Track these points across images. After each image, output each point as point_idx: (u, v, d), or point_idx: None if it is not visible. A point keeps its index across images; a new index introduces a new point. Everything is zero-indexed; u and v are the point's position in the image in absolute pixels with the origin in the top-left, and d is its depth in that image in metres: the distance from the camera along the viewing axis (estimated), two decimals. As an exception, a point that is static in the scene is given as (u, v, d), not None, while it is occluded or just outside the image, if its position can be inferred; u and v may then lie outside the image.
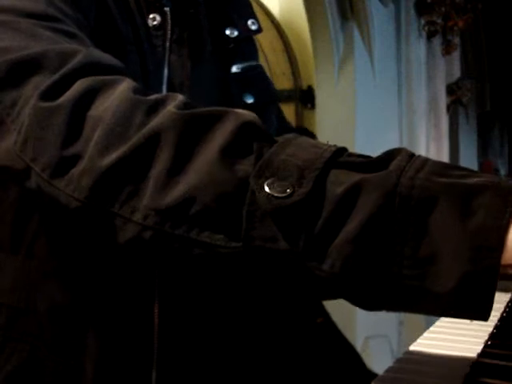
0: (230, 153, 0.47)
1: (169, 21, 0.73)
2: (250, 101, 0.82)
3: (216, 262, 0.49)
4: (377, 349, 2.79)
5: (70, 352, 0.64)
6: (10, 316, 0.66)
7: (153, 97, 0.53)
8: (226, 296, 0.71)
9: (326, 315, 0.84)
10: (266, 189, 0.45)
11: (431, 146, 3.70)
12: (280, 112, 0.94)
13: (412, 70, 3.44)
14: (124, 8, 0.70)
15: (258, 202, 0.45)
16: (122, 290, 0.65)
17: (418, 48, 3.54)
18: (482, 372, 0.56)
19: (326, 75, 2.97)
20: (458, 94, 4.23)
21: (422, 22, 3.57)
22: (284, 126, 0.94)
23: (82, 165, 0.50)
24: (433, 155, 3.70)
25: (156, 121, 0.50)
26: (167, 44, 0.72)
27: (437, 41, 3.78)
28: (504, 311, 0.78)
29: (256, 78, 0.86)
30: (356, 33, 3.02)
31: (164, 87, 0.71)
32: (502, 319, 0.74)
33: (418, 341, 0.66)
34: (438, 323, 0.73)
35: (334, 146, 0.48)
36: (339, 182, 0.45)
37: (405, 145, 3.37)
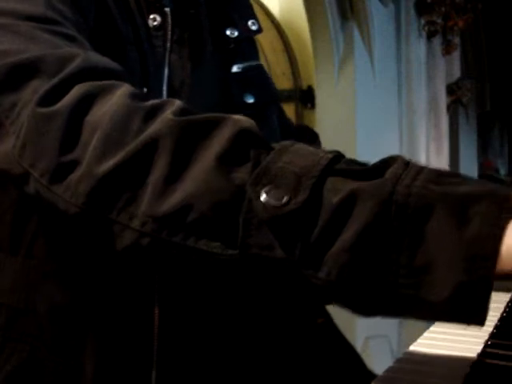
0: (227, 160, 0.47)
1: (169, 21, 0.73)
2: (250, 100, 0.82)
3: (213, 269, 0.49)
4: (377, 349, 2.79)
5: (69, 352, 0.64)
6: (10, 316, 0.66)
7: (150, 102, 0.53)
8: (226, 297, 0.71)
9: (326, 316, 0.84)
10: (263, 197, 0.45)
11: (431, 145, 3.70)
12: (281, 111, 0.94)
13: (412, 69, 3.44)
14: (124, 8, 0.70)
15: (255, 210, 0.45)
16: (122, 291, 0.65)
17: (418, 48, 3.54)
18: (482, 372, 0.56)
19: (326, 75, 2.97)
20: (458, 94, 4.23)
21: (422, 21, 3.57)
22: (286, 125, 0.94)
23: (79, 171, 0.50)
24: (433, 155, 3.70)
25: (153, 127, 0.50)
26: (168, 44, 0.73)
27: (437, 41, 3.78)
28: (504, 311, 0.78)
29: (256, 78, 0.86)
30: (356, 33, 3.02)
31: (164, 88, 0.71)
32: (501, 319, 0.74)
33: (418, 341, 0.66)
34: (438, 323, 0.73)
35: (331, 152, 0.48)
36: (336, 189, 0.45)
37: (405, 145, 3.38)
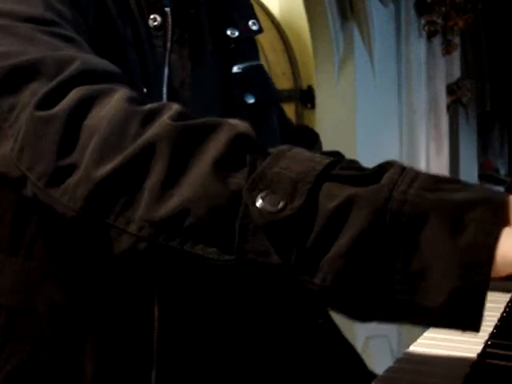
0: (224, 165, 0.48)
1: (169, 21, 0.73)
2: (251, 101, 0.82)
3: (210, 274, 0.49)
4: (377, 349, 2.79)
5: (69, 352, 0.64)
6: (10, 317, 0.66)
7: (148, 106, 0.53)
8: (226, 297, 0.71)
9: (326, 316, 0.84)
10: (259, 202, 0.45)
11: (431, 145, 3.70)
12: (282, 111, 0.94)
13: (412, 69, 3.44)
14: (124, 8, 0.70)
15: (251, 216, 0.45)
16: (122, 292, 0.65)
17: (418, 48, 3.54)
18: (482, 372, 0.56)
19: (326, 75, 2.97)
20: (458, 93, 4.22)
21: (422, 21, 3.57)
22: (286, 126, 0.94)
23: (77, 175, 0.50)
24: (433, 155, 3.70)
25: (151, 131, 0.50)
26: (168, 44, 0.73)
27: (437, 41, 3.78)
28: (504, 311, 0.78)
29: (257, 78, 0.86)
30: (356, 33, 3.02)
31: (164, 88, 0.71)
32: (501, 319, 0.74)
33: (418, 341, 0.66)
34: (437, 323, 0.73)
35: (328, 158, 0.48)
36: (332, 195, 0.45)
37: (405, 145, 3.38)
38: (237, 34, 0.83)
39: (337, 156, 0.93)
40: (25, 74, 0.55)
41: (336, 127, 2.91)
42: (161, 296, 0.66)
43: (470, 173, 5.39)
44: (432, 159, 3.67)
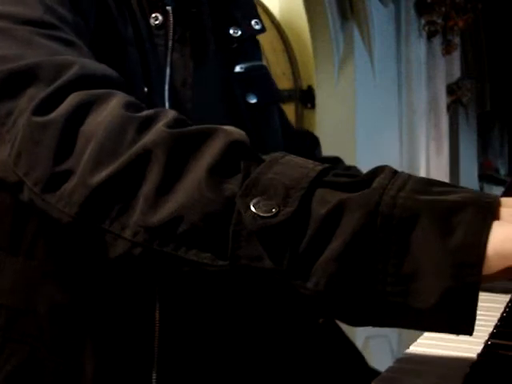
0: (218, 172, 0.48)
1: (171, 20, 0.73)
2: (253, 101, 0.82)
3: (204, 279, 0.49)
4: (377, 349, 2.79)
5: (69, 352, 0.64)
6: (10, 317, 0.66)
7: (144, 113, 0.53)
8: (227, 297, 0.72)
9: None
10: (252, 208, 0.45)
11: (431, 145, 3.70)
12: (282, 112, 0.94)
13: (412, 69, 3.44)
14: (126, 8, 0.70)
15: (244, 222, 0.45)
16: (123, 292, 0.65)
17: (418, 48, 3.54)
18: (481, 372, 0.56)
19: (326, 75, 2.97)
20: (458, 93, 4.23)
21: (422, 21, 3.57)
22: (285, 126, 0.94)
23: (73, 181, 0.51)
24: (433, 155, 3.70)
25: (147, 138, 0.50)
26: (169, 43, 0.73)
27: (437, 41, 3.78)
28: (504, 311, 0.78)
29: (259, 78, 0.86)
30: (356, 33, 3.02)
31: (166, 87, 0.71)
32: (501, 319, 0.74)
33: (418, 341, 0.66)
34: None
35: (321, 164, 0.49)
36: (324, 201, 0.45)
37: (405, 145, 3.38)
38: (239, 33, 0.83)
39: (336, 161, 0.93)
40: (23, 78, 0.56)
41: (336, 127, 2.91)
42: (162, 298, 0.66)
43: (470, 173, 5.39)
44: (432, 159, 3.68)
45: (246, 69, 0.84)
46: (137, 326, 0.66)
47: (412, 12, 3.49)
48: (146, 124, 0.52)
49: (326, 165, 0.49)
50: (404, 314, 0.43)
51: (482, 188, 5.86)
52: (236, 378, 0.73)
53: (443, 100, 3.96)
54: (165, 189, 0.48)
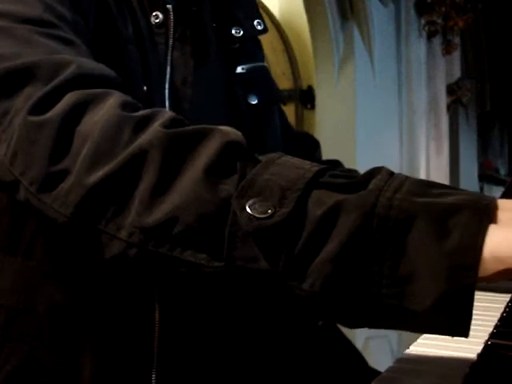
0: (214, 172, 0.48)
1: (171, 18, 0.73)
2: (254, 101, 0.82)
3: (200, 280, 0.49)
4: (377, 349, 2.79)
5: (69, 352, 0.64)
6: (9, 317, 0.66)
7: (140, 113, 0.53)
8: (227, 298, 0.72)
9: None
10: (248, 209, 0.45)
11: (431, 145, 3.70)
12: (282, 112, 0.94)
13: (412, 69, 3.44)
14: (126, 6, 0.70)
15: (240, 223, 0.45)
16: (122, 292, 0.65)
17: (418, 48, 3.54)
18: (481, 372, 0.56)
19: (326, 75, 2.97)
20: (458, 93, 4.22)
21: (422, 21, 3.57)
22: (285, 126, 0.94)
23: (69, 181, 0.51)
24: (433, 155, 3.70)
25: (143, 138, 0.50)
26: (170, 42, 0.73)
27: (437, 41, 3.78)
28: (504, 311, 0.78)
29: (260, 79, 0.86)
30: (356, 33, 3.02)
31: (166, 85, 0.71)
32: (501, 319, 0.74)
33: (418, 341, 0.66)
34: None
35: (318, 165, 0.49)
36: (320, 202, 0.45)
37: (405, 145, 3.38)
38: (241, 33, 0.83)
39: (336, 165, 0.93)
40: (20, 77, 0.55)
41: (336, 127, 2.91)
42: (161, 298, 0.66)
43: (469, 173, 5.39)
44: (432, 159, 3.68)
45: (247, 69, 0.84)
46: (136, 326, 0.66)
47: (412, 12, 3.49)
48: (143, 124, 0.52)
49: (323, 165, 0.49)
50: (400, 316, 0.43)
51: (482, 188, 5.86)
52: (235, 378, 0.73)
53: (443, 100, 3.96)
54: (160, 189, 0.48)
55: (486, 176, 5.99)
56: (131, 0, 0.71)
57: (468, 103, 4.66)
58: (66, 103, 0.53)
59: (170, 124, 0.51)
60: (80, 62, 0.57)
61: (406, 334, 3.17)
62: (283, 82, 2.95)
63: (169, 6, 0.73)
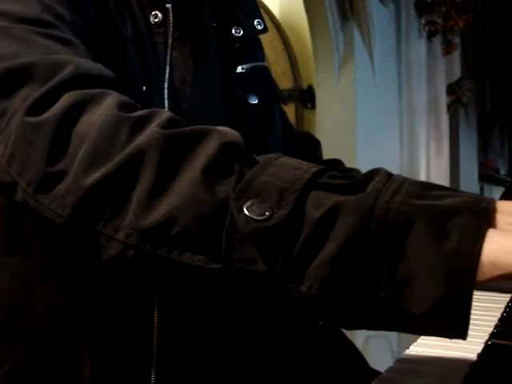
0: (212, 173, 0.48)
1: (171, 18, 0.73)
2: (254, 101, 0.82)
3: (198, 281, 0.49)
4: (377, 349, 2.79)
5: (67, 353, 0.64)
6: (8, 317, 0.66)
7: (138, 113, 0.53)
8: (227, 297, 0.71)
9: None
10: (245, 211, 0.45)
11: (431, 145, 3.70)
12: (282, 112, 0.94)
13: (412, 69, 3.44)
14: (125, 6, 0.70)
15: (237, 225, 0.45)
16: (121, 292, 0.65)
17: (419, 48, 3.53)
18: (481, 372, 0.56)
19: (326, 75, 2.97)
20: (458, 93, 4.22)
21: (423, 21, 3.57)
22: (286, 126, 0.94)
23: (66, 182, 0.51)
24: (433, 155, 3.70)
25: (140, 139, 0.50)
26: (169, 41, 0.72)
27: (437, 41, 3.77)
28: (504, 311, 0.78)
29: (260, 79, 0.86)
30: (356, 33, 3.02)
31: (165, 85, 0.71)
32: (501, 319, 0.74)
33: (418, 341, 0.66)
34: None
35: (316, 166, 0.48)
36: (318, 204, 0.45)
37: (405, 145, 3.37)
38: (241, 33, 0.83)
39: (337, 164, 0.93)
40: (17, 78, 0.55)
41: (336, 127, 2.91)
42: (161, 298, 0.66)
43: (469, 173, 5.39)
44: (432, 159, 3.67)
45: (247, 69, 0.83)
46: (135, 327, 0.66)
47: (412, 12, 3.49)
48: (140, 124, 0.51)
49: (321, 166, 0.49)
50: (398, 318, 0.43)
51: (482, 188, 5.86)
52: (235, 378, 0.73)
53: (443, 100, 3.96)
54: (158, 190, 0.48)
55: (486, 176, 5.99)
56: (130, 0, 0.71)
57: (468, 103, 4.66)
58: (63, 104, 0.53)
59: (168, 124, 0.51)
60: (78, 62, 0.57)
61: (406, 334, 3.16)
62: (283, 82, 2.95)
63: (168, 6, 0.73)
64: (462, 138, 5.08)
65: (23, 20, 0.59)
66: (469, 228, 0.42)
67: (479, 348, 0.62)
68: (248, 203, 0.45)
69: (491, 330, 0.69)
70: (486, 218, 0.43)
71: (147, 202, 0.48)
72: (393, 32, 3.37)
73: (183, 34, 0.74)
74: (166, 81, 0.71)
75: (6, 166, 0.54)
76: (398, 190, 0.44)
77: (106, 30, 0.67)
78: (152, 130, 0.50)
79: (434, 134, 3.77)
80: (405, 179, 0.46)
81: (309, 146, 0.97)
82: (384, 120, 3.23)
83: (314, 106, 3.02)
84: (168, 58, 0.72)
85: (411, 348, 0.64)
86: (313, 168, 0.48)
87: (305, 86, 3.04)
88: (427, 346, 0.64)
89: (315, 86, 3.01)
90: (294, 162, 0.49)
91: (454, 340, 0.65)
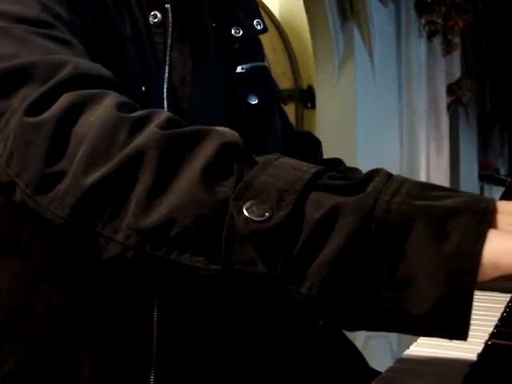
0: (211, 174, 0.47)
1: (170, 18, 0.73)
2: (253, 101, 0.82)
3: (198, 282, 0.49)
4: (377, 349, 2.79)
5: (67, 353, 0.64)
6: (7, 317, 0.66)
7: (137, 113, 0.53)
8: (226, 297, 0.71)
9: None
10: (245, 212, 0.45)
11: (431, 145, 3.70)
12: (283, 112, 0.94)
13: (412, 69, 3.44)
14: (124, 6, 0.70)
15: (237, 226, 0.45)
16: (121, 292, 0.65)
17: (419, 48, 3.53)
18: (481, 372, 0.56)
19: (326, 75, 2.97)
20: (458, 93, 4.22)
21: (423, 21, 3.57)
22: (286, 126, 0.94)
23: (65, 182, 0.50)
24: (433, 155, 3.70)
25: (139, 139, 0.50)
26: (168, 41, 0.72)
27: (437, 41, 3.77)
28: (504, 311, 0.78)
29: (260, 79, 0.86)
30: (356, 33, 3.02)
31: (165, 85, 0.71)
32: (502, 319, 0.74)
33: (418, 341, 0.66)
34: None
35: (315, 167, 0.48)
36: (318, 204, 0.45)
37: (405, 145, 3.38)
38: (241, 33, 0.83)
39: (337, 164, 0.93)
40: (16, 78, 0.55)
41: (336, 127, 2.91)
42: (160, 297, 0.66)
43: (469, 173, 5.39)
44: (432, 159, 3.67)
45: (247, 69, 0.83)
46: (135, 327, 0.66)
47: (412, 12, 3.49)
48: (139, 125, 0.51)
49: (321, 167, 0.49)
50: (398, 319, 0.43)
51: (482, 188, 5.86)
52: (235, 378, 0.73)
53: (443, 100, 3.96)
54: (157, 191, 0.48)
55: (486, 176, 5.99)
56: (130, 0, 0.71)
57: (468, 103, 4.66)
58: (62, 104, 0.53)
59: (167, 125, 0.51)
60: (76, 62, 0.57)
61: (406, 335, 3.16)
62: (283, 82, 2.95)
63: (167, 6, 0.73)
64: (462, 138, 5.08)
65: (22, 20, 0.59)
66: (469, 229, 0.42)
67: (479, 348, 0.62)
68: (247, 204, 0.45)
69: (491, 330, 0.69)
70: (486, 219, 0.43)
71: (146, 203, 0.48)
72: (393, 32, 3.37)
73: (182, 34, 0.74)
74: (165, 81, 0.71)
75: (4, 167, 0.53)
76: (397, 191, 0.44)
77: (105, 30, 0.67)
78: (151, 130, 0.50)
79: (434, 134, 3.77)
80: (405, 180, 0.46)
81: (309, 145, 0.97)
82: (384, 120, 3.23)
83: (314, 106, 3.02)
84: (167, 58, 0.72)
85: (411, 348, 0.64)
86: (312, 169, 0.48)
87: (305, 86, 3.04)
88: (427, 346, 0.64)
89: (315, 86, 3.01)
90: (294, 162, 0.49)
91: (454, 340, 0.65)
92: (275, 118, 0.87)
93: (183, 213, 0.47)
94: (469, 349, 0.62)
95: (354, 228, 0.43)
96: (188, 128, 0.51)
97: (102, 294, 0.65)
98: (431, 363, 0.60)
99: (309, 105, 3.03)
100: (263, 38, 0.91)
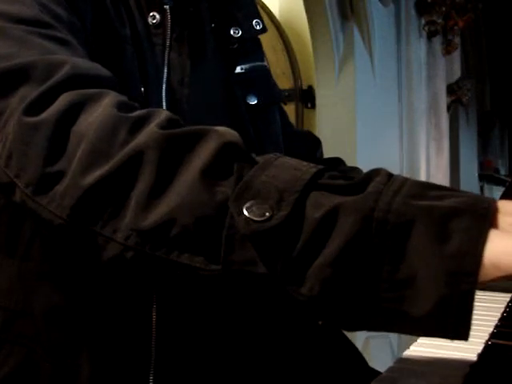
0: (211, 174, 0.47)
1: (169, 19, 0.73)
2: (253, 102, 0.82)
3: (197, 282, 0.49)
4: (377, 349, 2.79)
5: (66, 354, 0.64)
6: (7, 318, 0.66)
7: (136, 113, 0.53)
8: (226, 297, 0.71)
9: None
10: (245, 212, 0.45)
11: (431, 145, 3.70)
12: (283, 112, 0.94)
13: (412, 69, 3.44)
14: (123, 7, 0.70)
15: (237, 226, 0.45)
16: (120, 293, 0.65)
17: (419, 48, 3.53)
18: (481, 372, 0.56)
19: (326, 75, 2.97)
20: (459, 93, 4.22)
21: (423, 21, 3.57)
22: (286, 126, 0.94)
23: (65, 182, 0.50)
24: (433, 155, 3.70)
25: (139, 139, 0.50)
26: (167, 42, 0.72)
27: (437, 41, 3.77)
28: (504, 311, 0.78)
29: (260, 79, 0.86)
30: (356, 33, 3.02)
31: (163, 86, 0.71)
32: (502, 319, 0.74)
33: (419, 341, 0.66)
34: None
35: (315, 166, 0.48)
36: (318, 204, 0.45)
37: (405, 144, 3.37)
38: (240, 33, 0.82)
39: (338, 163, 0.93)
40: (15, 78, 0.55)
41: (336, 127, 2.91)
42: (159, 298, 0.66)
43: (470, 173, 5.39)
44: (432, 159, 3.67)
45: (246, 69, 0.83)
46: (134, 328, 0.65)
47: (412, 12, 3.49)
48: (138, 124, 0.51)
49: (321, 166, 0.48)
50: (399, 319, 0.43)
51: (482, 187, 5.86)
52: (234, 379, 0.73)
53: (443, 100, 3.96)
54: (157, 191, 0.48)
55: (486, 176, 5.99)
56: (128, 1, 0.71)
57: (468, 103, 4.66)
58: (61, 104, 0.53)
59: (167, 124, 0.51)
60: (75, 62, 0.57)
61: (407, 335, 3.16)
62: (283, 82, 2.95)
63: (166, 7, 0.73)
64: (462, 138, 5.08)
65: (21, 20, 0.59)
66: (470, 229, 0.42)
67: (479, 348, 0.62)
68: (247, 204, 0.45)
69: (491, 330, 0.69)
70: (487, 219, 0.42)
71: (146, 203, 0.48)
72: (393, 32, 3.37)
73: (181, 35, 0.74)
74: (164, 81, 0.71)
75: (3, 167, 0.53)
76: (398, 191, 0.44)
77: (104, 31, 0.67)
78: (151, 130, 0.50)
79: (434, 133, 3.77)
80: (405, 179, 0.46)
81: (309, 145, 0.97)
82: (384, 120, 3.23)
83: (314, 106, 3.02)
84: (166, 58, 0.72)
85: (411, 348, 0.64)
86: (313, 168, 0.48)
87: (305, 86, 3.04)
88: (427, 346, 0.64)
89: (315, 86, 3.01)
90: (294, 162, 0.49)
91: (454, 340, 0.65)
92: (275, 118, 0.87)
93: (183, 213, 0.47)
94: (469, 349, 0.62)
95: (355, 228, 0.43)
96: (188, 128, 0.51)
97: (101, 295, 0.65)
98: (431, 363, 0.60)
99: (309, 105, 3.02)
100: (263, 37, 0.91)
